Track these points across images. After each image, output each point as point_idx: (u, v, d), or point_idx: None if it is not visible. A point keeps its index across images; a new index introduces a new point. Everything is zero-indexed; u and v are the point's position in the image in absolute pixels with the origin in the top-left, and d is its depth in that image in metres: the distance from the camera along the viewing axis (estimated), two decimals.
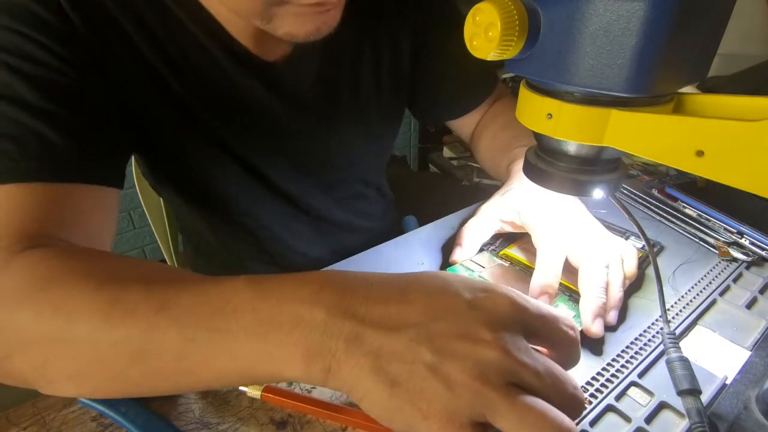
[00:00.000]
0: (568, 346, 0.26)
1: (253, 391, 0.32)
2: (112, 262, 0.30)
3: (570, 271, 0.41)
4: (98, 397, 0.29)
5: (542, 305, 0.26)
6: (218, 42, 0.45)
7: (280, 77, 0.49)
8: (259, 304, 0.24)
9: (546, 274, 0.39)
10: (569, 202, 0.44)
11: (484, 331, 0.22)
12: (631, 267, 0.41)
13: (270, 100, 0.50)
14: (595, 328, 0.36)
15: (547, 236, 0.41)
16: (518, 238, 0.48)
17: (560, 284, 0.42)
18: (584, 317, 0.37)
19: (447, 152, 2.05)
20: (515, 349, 0.22)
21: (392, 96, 0.60)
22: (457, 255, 0.45)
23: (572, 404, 0.23)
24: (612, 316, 0.38)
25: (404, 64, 0.59)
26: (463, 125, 0.70)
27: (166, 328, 0.25)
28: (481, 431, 0.21)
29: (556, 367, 0.24)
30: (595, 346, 0.37)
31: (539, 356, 0.23)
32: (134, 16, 0.42)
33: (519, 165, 0.49)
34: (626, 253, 0.41)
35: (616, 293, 0.38)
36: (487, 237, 0.46)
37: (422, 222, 0.55)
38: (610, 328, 0.38)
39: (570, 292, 0.41)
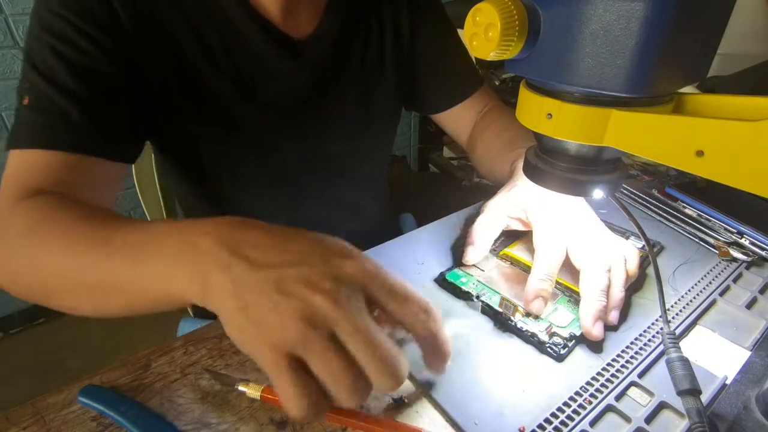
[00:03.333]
0: (422, 330, 0.28)
1: (253, 392, 0.32)
2: (85, 210, 0.37)
3: (571, 271, 0.41)
4: (71, 311, 0.36)
5: (398, 283, 0.28)
6: (253, 21, 0.50)
7: (305, 51, 0.54)
8: (168, 237, 0.30)
9: (540, 277, 0.39)
10: (574, 201, 0.43)
11: (325, 283, 0.25)
12: (633, 267, 0.41)
13: (296, 71, 0.55)
14: (596, 331, 0.36)
15: (547, 236, 0.41)
16: (518, 237, 0.48)
17: (561, 285, 0.42)
18: (584, 320, 0.37)
19: (447, 152, 2.05)
20: (345, 304, 0.25)
21: (394, 76, 0.63)
22: (470, 254, 0.44)
23: (379, 370, 0.25)
24: (613, 316, 0.38)
25: (405, 45, 0.63)
26: (457, 127, 0.71)
27: (104, 261, 0.32)
28: (298, 367, 0.24)
29: (379, 335, 0.25)
30: (595, 346, 0.37)
31: (367, 321, 0.25)
32: (177, 5, 0.47)
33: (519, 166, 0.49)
34: (628, 253, 0.41)
35: (618, 294, 0.38)
36: (497, 233, 0.46)
37: (422, 222, 0.55)
38: (610, 328, 0.38)
39: (570, 293, 0.41)
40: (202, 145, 0.55)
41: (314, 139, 0.60)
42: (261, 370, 0.26)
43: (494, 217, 0.46)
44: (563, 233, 0.41)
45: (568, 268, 0.41)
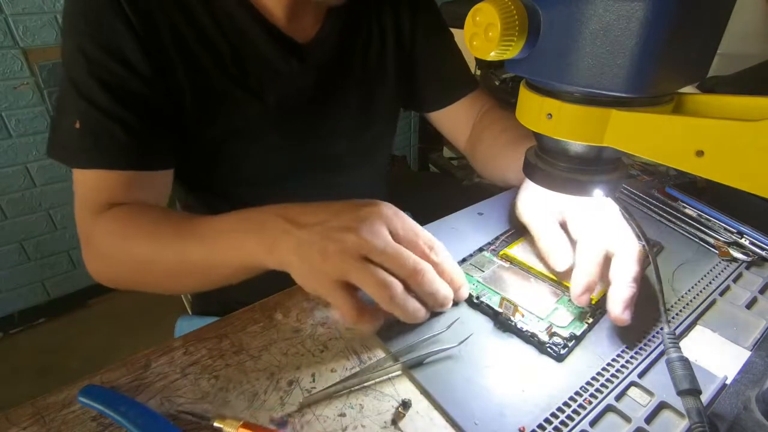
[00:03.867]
0: (420, 254, 0.36)
1: (230, 428, 0.31)
2: (159, 213, 0.47)
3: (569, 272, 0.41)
4: (168, 291, 0.48)
5: (409, 221, 0.38)
6: (259, 25, 0.52)
7: (310, 53, 0.56)
8: (238, 222, 0.40)
9: (586, 271, 0.39)
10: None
11: (355, 224, 0.34)
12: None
13: (302, 73, 0.56)
14: (626, 316, 0.36)
15: (588, 235, 0.41)
16: (518, 238, 0.48)
17: (562, 285, 0.42)
18: (614, 305, 0.36)
19: (447, 152, 2.05)
20: (370, 236, 0.34)
21: (395, 76, 0.64)
22: (559, 264, 0.42)
23: (409, 273, 0.34)
24: (627, 315, 0.37)
25: (406, 44, 0.64)
26: (455, 128, 0.71)
27: (191, 250, 0.41)
28: (348, 288, 0.34)
29: (403, 251, 0.35)
30: (596, 346, 0.37)
31: (389, 242, 0.35)
32: (187, 16, 0.49)
33: None
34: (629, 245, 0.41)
35: (629, 289, 0.38)
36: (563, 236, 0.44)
37: (422, 222, 0.55)
38: (610, 328, 0.38)
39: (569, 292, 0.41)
40: (208, 146, 0.56)
41: (316, 139, 0.61)
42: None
43: (546, 223, 0.45)
44: (600, 229, 0.41)
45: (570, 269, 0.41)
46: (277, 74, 0.55)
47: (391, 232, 0.35)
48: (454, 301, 0.38)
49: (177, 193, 0.71)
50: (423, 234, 0.37)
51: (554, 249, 0.42)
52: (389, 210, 0.37)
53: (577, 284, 0.38)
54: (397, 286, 0.33)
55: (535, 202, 0.46)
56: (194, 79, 0.51)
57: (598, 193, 0.31)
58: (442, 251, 0.38)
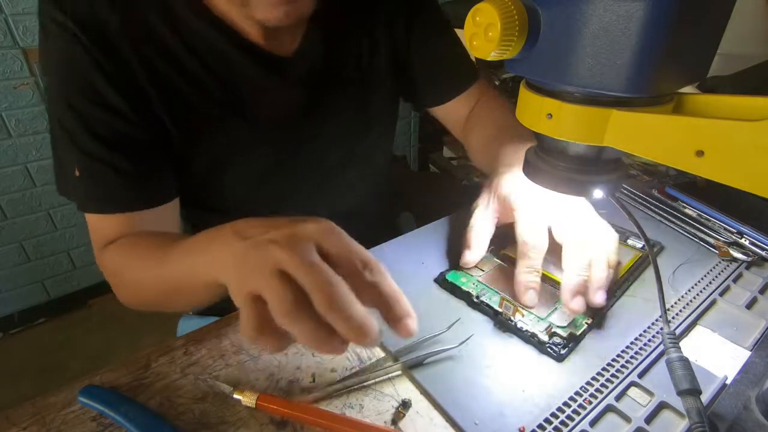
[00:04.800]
0: (352, 274, 0.31)
1: (248, 400, 0.32)
2: (144, 241, 0.48)
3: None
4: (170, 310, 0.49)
5: (349, 241, 0.32)
6: (235, 44, 0.50)
7: (293, 67, 0.54)
8: (205, 239, 0.37)
9: (525, 270, 0.40)
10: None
11: (284, 238, 0.31)
12: (612, 251, 0.41)
13: (286, 87, 0.55)
14: (574, 305, 0.38)
15: (528, 224, 0.42)
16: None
17: (556, 282, 0.42)
18: (564, 294, 0.38)
19: (447, 152, 2.05)
20: (291, 248, 0.30)
21: (391, 80, 0.63)
22: (467, 257, 0.45)
23: (319, 289, 0.28)
24: (600, 297, 0.38)
25: (401, 48, 0.63)
26: (452, 119, 0.71)
27: (170, 272, 0.40)
28: (257, 302, 0.29)
29: (321, 267, 0.29)
30: (596, 346, 0.37)
31: (309, 258, 0.30)
32: (159, 49, 0.48)
33: (505, 158, 0.50)
34: (608, 237, 0.42)
35: (600, 273, 0.39)
36: (490, 232, 0.46)
37: (422, 222, 0.55)
38: (610, 328, 0.38)
39: None
40: (202, 171, 0.55)
41: (311, 149, 0.60)
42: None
43: (484, 216, 0.46)
44: (544, 216, 0.42)
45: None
46: (261, 91, 0.54)
47: (324, 251, 0.31)
48: (400, 334, 0.30)
49: (183, 214, 0.70)
50: (358, 252, 0.31)
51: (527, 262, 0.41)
52: (326, 226, 0.32)
53: (565, 292, 0.38)
54: (294, 302, 0.28)
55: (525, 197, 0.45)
56: (176, 109, 0.50)
57: (598, 193, 0.31)
58: (380, 273, 0.31)
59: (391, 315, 0.30)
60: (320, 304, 0.28)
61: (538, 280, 0.40)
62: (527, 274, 0.40)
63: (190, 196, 0.58)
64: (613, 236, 0.42)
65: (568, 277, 0.38)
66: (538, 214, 0.42)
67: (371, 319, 0.29)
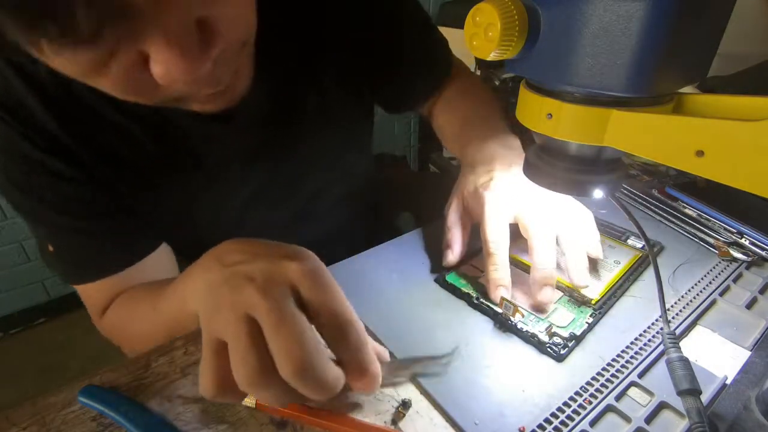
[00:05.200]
0: (331, 332, 0.29)
1: (248, 400, 0.32)
2: (138, 294, 0.48)
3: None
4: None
5: (328, 287, 0.29)
6: (171, 109, 0.44)
7: (238, 116, 0.48)
8: (191, 269, 0.35)
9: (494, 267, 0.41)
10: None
11: (260, 276, 0.28)
12: (589, 231, 0.43)
13: (234, 134, 0.50)
14: (539, 297, 0.39)
15: (492, 221, 0.42)
16: (516, 238, 0.48)
17: (561, 284, 0.42)
18: (531, 288, 0.39)
19: (447, 152, 2.05)
20: (269, 297, 0.27)
21: (356, 95, 0.59)
22: (450, 257, 0.45)
23: (293, 364, 0.26)
24: (579, 279, 0.40)
25: (362, 58, 0.57)
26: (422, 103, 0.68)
27: (157, 315, 0.41)
28: (220, 350, 0.28)
29: (296, 333, 0.27)
30: (595, 346, 0.37)
31: (286, 309, 0.27)
32: (90, 115, 0.44)
33: (467, 156, 0.51)
34: (580, 217, 0.43)
35: (576, 257, 0.40)
36: (467, 230, 0.47)
37: (421, 222, 0.55)
38: (610, 328, 0.38)
39: (570, 292, 0.41)
40: (168, 220, 0.53)
41: (280, 184, 0.57)
42: None
43: (457, 216, 0.47)
44: (506, 213, 0.42)
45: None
46: (208, 140, 0.49)
47: (306, 298, 0.29)
48: (359, 391, 0.30)
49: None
50: (336, 308, 0.29)
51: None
52: (308, 268, 0.29)
53: (533, 284, 0.40)
54: (258, 370, 0.26)
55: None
56: (124, 174, 0.48)
57: (598, 193, 0.31)
58: (361, 335, 0.29)
59: (356, 383, 0.29)
60: (286, 372, 0.26)
61: (507, 276, 0.40)
62: (494, 272, 0.40)
63: (176, 242, 0.56)
64: (588, 215, 0.43)
65: (533, 270, 0.39)
66: (500, 211, 0.42)
67: (341, 378, 0.28)
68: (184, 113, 0.44)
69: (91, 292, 0.50)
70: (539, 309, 0.40)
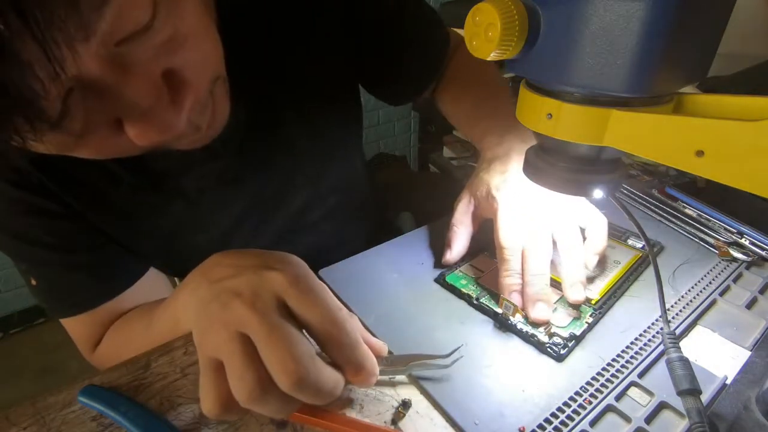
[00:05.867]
0: (324, 333, 0.29)
1: None
2: (131, 316, 0.49)
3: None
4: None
5: (314, 291, 0.30)
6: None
7: (214, 144, 0.43)
8: (184, 284, 0.35)
9: (507, 274, 0.40)
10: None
11: (247, 290, 0.29)
12: (596, 234, 0.42)
13: (212, 160, 0.49)
14: (533, 314, 0.38)
15: (507, 217, 0.42)
16: None
17: (561, 285, 0.42)
18: (525, 304, 0.39)
19: (447, 152, 2.05)
20: (258, 307, 0.28)
21: (340, 104, 0.58)
22: (448, 256, 0.45)
23: (290, 378, 0.26)
24: (575, 293, 0.39)
25: (348, 67, 0.56)
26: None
27: (151, 337, 0.41)
28: (217, 369, 0.28)
29: (286, 344, 0.27)
30: (595, 346, 0.37)
31: (274, 321, 0.28)
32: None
33: (484, 150, 0.50)
34: (590, 223, 0.42)
35: (573, 269, 0.40)
36: (471, 230, 0.46)
37: (422, 222, 0.55)
38: (610, 328, 0.38)
39: None
40: (154, 250, 0.52)
41: (269, 202, 0.56)
42: None
43: (464, 215, 0.46)
44: (522, 217, 0.41)
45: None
46: (185, 168, 0.48)
47: (294, 306, 0.29)
48: (358, 386, 0.31)
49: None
50: (325, 312, 0.29)
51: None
52: (293, 275, 0.30)
53: (566, 285, 0.40)
54: (257, 384, 0.26)
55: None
56: (103, 207, 0.47)
57: (598, 193, 0.31)
58: (347, 334, 0.30)
59: (347, 367, 0.30)
60: (284, 385, 0.26)
61: (520, 281, 0.39)
62: (508, 278, 0.40)
63: (163, 268, 0.56)
64: (603, 220, 0.42)
65: (526, 285, 0.39)
66: (513, 216, 0.42)
67: (340, 381, 0.29)
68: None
69: (77, 327, 0.50)
70: (536, 323, 0.38)
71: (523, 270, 0.40)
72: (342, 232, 0.65)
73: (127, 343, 0.46)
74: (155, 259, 0.54)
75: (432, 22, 0.61)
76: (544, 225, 0.41)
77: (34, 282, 0.47)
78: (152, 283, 0.53)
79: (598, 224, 0.42)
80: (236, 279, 0.30)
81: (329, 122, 0.57)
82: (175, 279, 0.64)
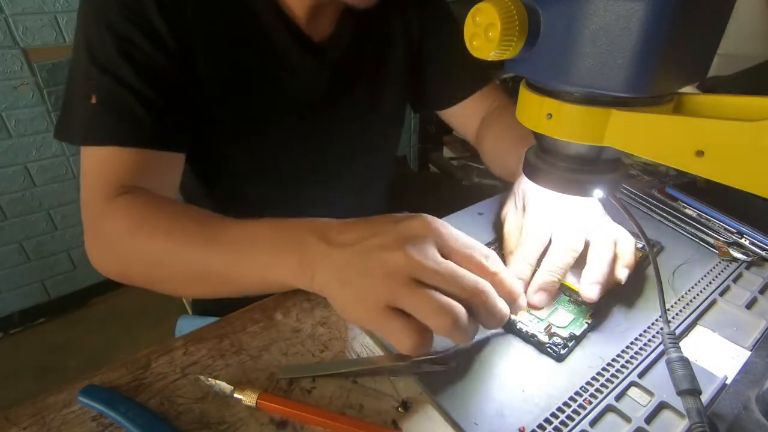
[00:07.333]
0: (476, 268, 0.32)
1: (249, 399, 0.32)
2: (178, 207, 0.43)
3: (572, 271, 0.41)
4: (179, 294, 0.44)
5: (458, 234, 0.33)
6: (280, 22, 0.53)
7: (325, 52, 0.58)
8: (274, 232, 0.36)
9: (519, 264, 0.40)
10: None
11: (398, 242, 0.30)
12: (624, 250, 0.41)
13: (317, 71, 0.58)
14: (533, 300, 0.38)
15: (532, 223, 0.42)
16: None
17: (562, 285, 0.42)
18: (530, 286, 0.39)
19: (447, 152, 2.05)
20: (418, 254, 0.30)
21: (404, 78, 0.65)
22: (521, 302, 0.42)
23: (471, 293, 0.30)
24: (623, 273, 0.39)
25: (414, 49, 0.65)
26: (465, 122, 0.72)
27: (215, 256, 0.38)
28: (398, 314, 0.29)
29: (458, 271, 0.30)
30: (596, 346, 0.37)
31: (442, 261, 0.30)
32: (215, 10, 0.50)
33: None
34: (620, 238, 0.42)
35: (598, 269, 0.39)
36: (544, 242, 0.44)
37: None
38: (610, 328, 0.38)
39: (570, 293, 0.41)
40: (218, 136, 0.56)
41: (323, 136, 0.62)
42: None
43: (517, 220, 0.46)
44: (552, 216, 0.42)
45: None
46: (293, 70, 0.56)
47: (440, 247, 0.31)
48: (513, 313, 0.34)
49: (182, 190, 0.70)
50: (476, 245, 0.33)
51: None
52: (434, 223, 0.32)
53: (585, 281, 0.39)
54: (460, 311, 0.29)
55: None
56: (214, 63, 0.51)
57: (598, 193, 0.31)
58: (498, 262, 0.33)
59: (511, 298, 0.33)
60: (476, 307, 0.30)
61: (530, 273, 0.40)
62: (520, 264, 0.40)
63: (204, 169, 0.60)
64: (631, 238, 0.42)
65: (537, 272, 0.39)
66: (547, 211, 0.42)
67: (507, 306, 0.32)
68: (290, 38, 0.53)
69: (105, 161, 0.45)
70: (531, 307, 0.39)
71: (538, 262, 0.40)
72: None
73: (167, 229, 0.40)
74: (199, 156, 0.57)
75: (477, 66, 0.68)
76: (579, 228, 0.41)
77: (94, 100, 0.45)
78: (176, 176, 0.52)
79: (627, 240, 0.41)
80: (379, 236, 0.31)
81: (389, 93, 0.65)
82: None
